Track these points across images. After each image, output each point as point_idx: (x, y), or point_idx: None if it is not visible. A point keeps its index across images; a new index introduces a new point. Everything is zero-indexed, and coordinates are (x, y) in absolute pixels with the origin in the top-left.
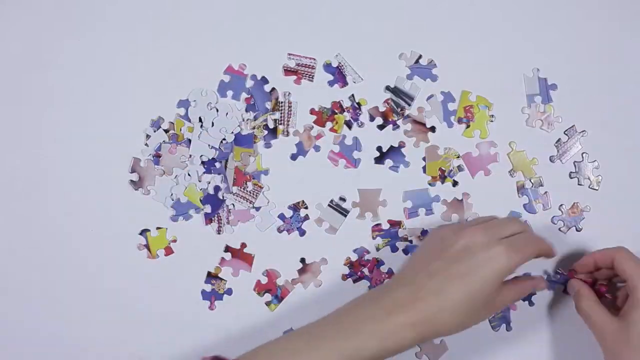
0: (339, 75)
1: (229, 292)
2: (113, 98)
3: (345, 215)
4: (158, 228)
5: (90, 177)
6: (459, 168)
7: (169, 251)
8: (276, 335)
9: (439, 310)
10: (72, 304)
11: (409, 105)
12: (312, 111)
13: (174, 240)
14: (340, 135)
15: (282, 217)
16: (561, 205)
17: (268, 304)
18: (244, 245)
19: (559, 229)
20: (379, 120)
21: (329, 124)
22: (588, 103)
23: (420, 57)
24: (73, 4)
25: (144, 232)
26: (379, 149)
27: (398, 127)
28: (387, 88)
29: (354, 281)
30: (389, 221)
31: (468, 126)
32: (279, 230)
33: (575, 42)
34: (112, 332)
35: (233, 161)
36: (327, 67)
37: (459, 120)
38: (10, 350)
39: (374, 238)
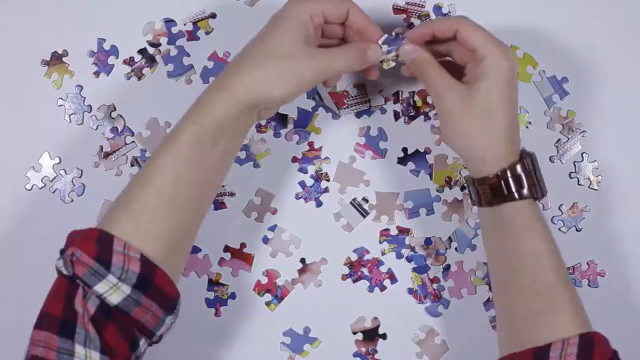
0: None
1: (233, 296)
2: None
3: (365, 216)
4: None
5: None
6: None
7: None
8: (276, 336)
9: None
10: None
11: None
12: None
13: None
14: (365, 126)
15: (302, 184)
16: (561, 205)
17: (268, 304)
18: (243, 245)
19: (559, 229)
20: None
21: None
22: (588, 103)
23: None
24: (73, 4)
25: None
26: (404, 149)
27: (430, 118)
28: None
29: (354, 281)
30: (398, 227)
31: None
32: (297, 197)
33: (574, 42)
34: None
35: None
36: (437, 9)
37: None
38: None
39: (381, 242)
